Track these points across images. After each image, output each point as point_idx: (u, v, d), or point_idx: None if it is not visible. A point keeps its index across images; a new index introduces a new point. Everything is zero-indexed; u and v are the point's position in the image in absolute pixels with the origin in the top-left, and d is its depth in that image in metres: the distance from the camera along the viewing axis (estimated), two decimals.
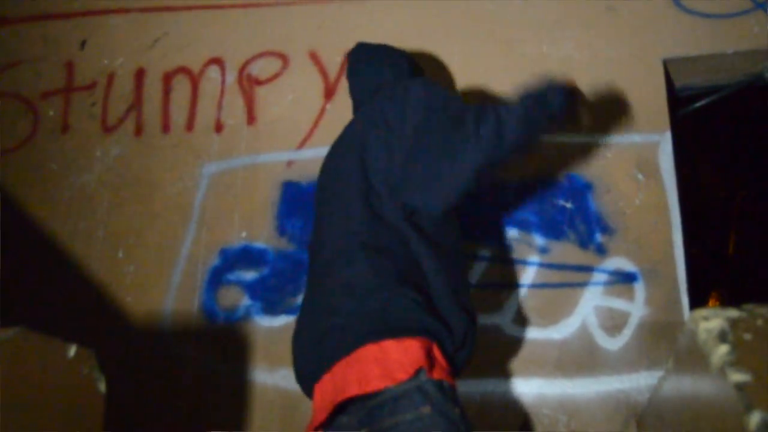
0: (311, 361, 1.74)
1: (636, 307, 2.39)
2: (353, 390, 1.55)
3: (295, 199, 2.68)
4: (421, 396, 1.53)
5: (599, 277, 2.44)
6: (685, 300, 2.37)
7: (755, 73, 2.72)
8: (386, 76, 2.17)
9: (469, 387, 2.33)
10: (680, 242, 2.43)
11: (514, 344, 2.41)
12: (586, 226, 2.49)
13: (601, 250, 2.46)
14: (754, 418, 0.75)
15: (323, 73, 2.85)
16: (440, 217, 1.88)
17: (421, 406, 1.52)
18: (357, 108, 2.24)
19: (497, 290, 2.46)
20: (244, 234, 2.69)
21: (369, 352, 1.59)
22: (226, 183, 2.78)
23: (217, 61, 2.96)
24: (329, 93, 2.82)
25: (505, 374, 2.38)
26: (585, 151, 2.56)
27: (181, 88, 2.95)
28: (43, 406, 1.14)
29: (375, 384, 1.54)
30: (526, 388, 2.36)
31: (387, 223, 1.80)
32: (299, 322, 1.89)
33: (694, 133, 4.32)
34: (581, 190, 2.52)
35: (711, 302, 6.81)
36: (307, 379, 1.76)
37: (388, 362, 1.57)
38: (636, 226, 2.46)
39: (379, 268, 1.72)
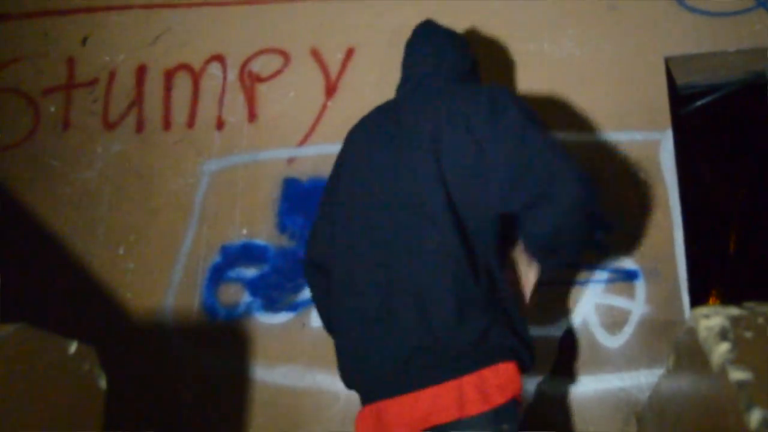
0: (386, 375, 1.71)
1: (637, 304, 2.39)
2: (453, 413, 1.60)
3: (295, 197, 2.67)
4: (505, 413, 1.62)
5: (600, 274, 2.44)
6: (685, 298, 2.37)
7: (757, 71, 2.71)
8: (449, 57, 2.08)
9: None
10: (681, 240, 2.43)
11: None
12: None
13: (602, 248, 2.45)
14: (755, 416, 0.75)
15: (324, 70, 2.85)
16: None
17: (503, 423, 1.61)
18: (406, 82, 2.11)
19: None
20: (244, 231, 2.69)
21: (468, 380, 1.63)
22: (227, 180, 2.78)
23: (218, 58, 2.95)
24: (330, 90, 2.81)
25: None
26: (586, 148, 2.56)
27: (183, 84, 2.94)
28: (44, 402, 1.14)
29: (474, 408, 1.60)
30: (526, 385, 2.36)
31: (475, 240, 1.76)
32: (355, 326, 1.79)
33: (695, 131, 4.32)
34: None
35: (712, 300, 6.82)
36: (373, 390, 1.75)
37: (486, 388, 1.63)
38: (637, 224, 2.46)
39: (470, 289, 1.70)
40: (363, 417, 1.78)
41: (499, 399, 1.62)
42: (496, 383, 1.64)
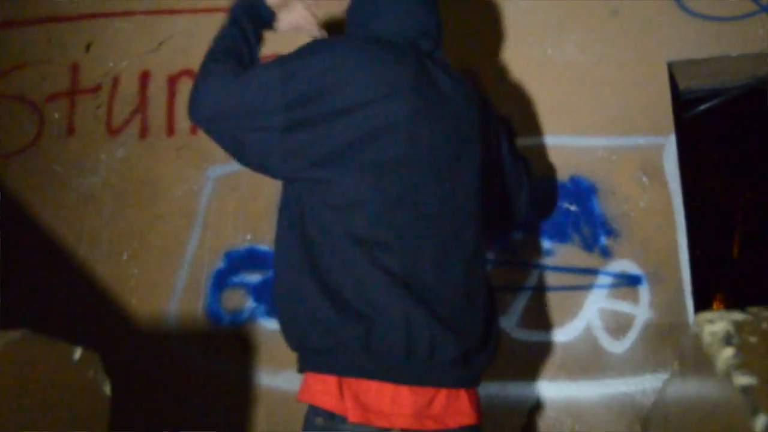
0: (440, 364, 1.58)
1: (641, 309, 2.38)
2: (472, 419, 1.61)
3: None
4: None
5: (604, 279, 2.43)
6: (689, 303, 2.37)
7: (760, 76, 2.71)
8: (431, 24, 1.88)
9: None
10: (685, 245, 2.43)
11: (518, 347, 2.41)
12: (590, 229, 2.48)
13: (606, 253, 2.45)
14: (760, 421, 0.74)
15: None
16: None
17: None
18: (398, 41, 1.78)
19: (502, 293, 2.45)
20: (249, 236, 2.69)
21: (475, 393, 1.68)
22: (230, 185, 2.78)
23: None
24: None
25: (509, 377, 2.38)
26: (589, 153, 2.56)
27: (186, 90, 2.93)
28: (48, 409, 1.14)
29: (480, 420, 1.65)
30: (530, 390, 2.36)
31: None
32: (430, 306, 1.57)
33: (698, 136, 4.32)
34: (586, 193, 2.52)
35: (716, 305, 6.81)
36: (409, 373, 1.55)
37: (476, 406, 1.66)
38: (640, 229, 2.46)
39: (491, 306, 1.75)
40: (379, 390, 1.53)
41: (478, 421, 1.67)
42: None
